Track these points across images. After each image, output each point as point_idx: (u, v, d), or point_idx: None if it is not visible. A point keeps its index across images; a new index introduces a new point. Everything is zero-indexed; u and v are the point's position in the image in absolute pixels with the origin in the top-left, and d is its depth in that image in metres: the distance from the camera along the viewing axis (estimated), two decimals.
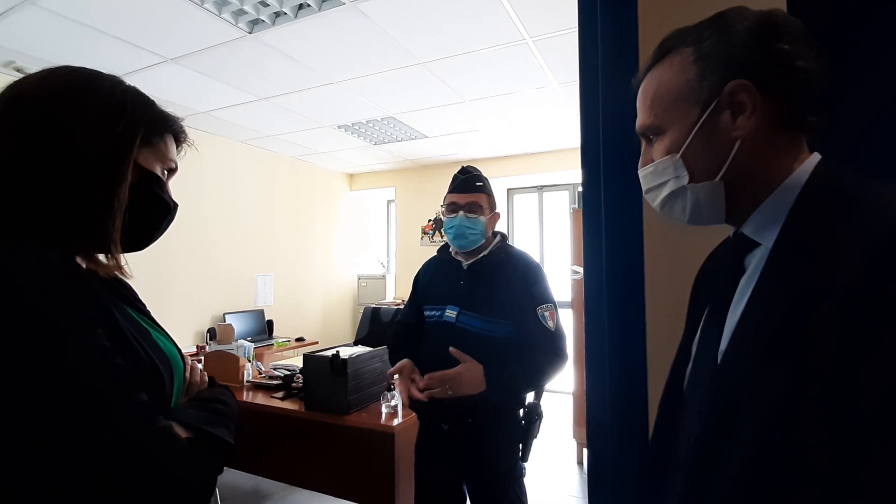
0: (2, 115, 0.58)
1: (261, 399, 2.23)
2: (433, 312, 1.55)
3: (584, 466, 3.15)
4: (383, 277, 5.65)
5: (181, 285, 3.86)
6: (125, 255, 0.65)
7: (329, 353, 1.98)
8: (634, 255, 0.90)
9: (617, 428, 0.88)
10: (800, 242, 0.49)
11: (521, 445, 1.50)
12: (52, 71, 0.62)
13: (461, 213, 1.51)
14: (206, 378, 0.78)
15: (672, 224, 0.61)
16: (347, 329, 5.73)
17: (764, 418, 0.45)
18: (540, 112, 3.60)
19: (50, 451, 0.49)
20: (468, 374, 1.35)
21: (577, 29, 0.99)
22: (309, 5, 2.17)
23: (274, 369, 2.58)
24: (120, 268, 0.64)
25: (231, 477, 2.80)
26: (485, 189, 1.56)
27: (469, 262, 1.55)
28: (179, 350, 0.73)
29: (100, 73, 0.64)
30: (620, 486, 0.87)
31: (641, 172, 0.62)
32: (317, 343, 4.40)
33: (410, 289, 1.74)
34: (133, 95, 0.66)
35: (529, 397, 1.56)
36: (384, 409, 1.95)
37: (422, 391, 1.38)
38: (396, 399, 1.96)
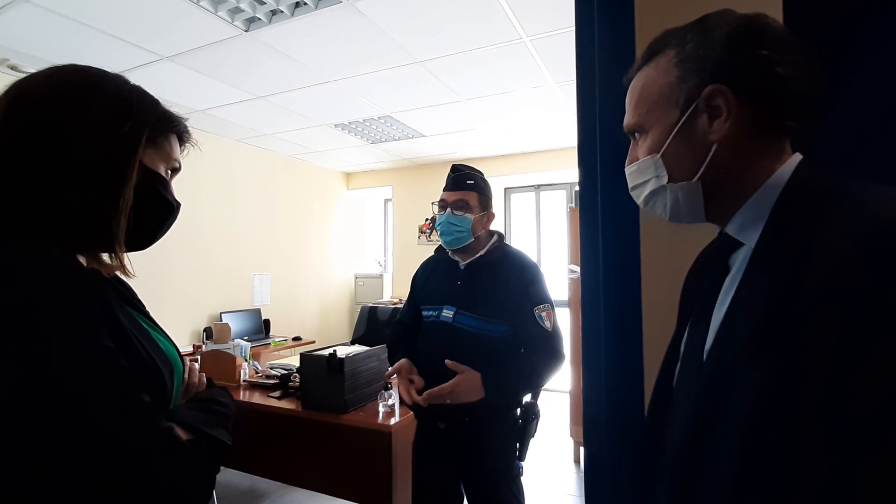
0: (7, 113, 0.58)
1: (257, 398, 2.22)
2: (430, 312, 1.55)
3: (580, 465, 3.16)
4: (380, 276, 5.64)
5: (178, 284, 3.85)
6: (127, 254, 0.65)
7: (326, 352, 1.98)
8: (631, 253, 0.90)
9: (613, 426, 0.89)
10: (781, 241, 0.49)
11: (517, 444, 1.50)
12: (58, 70, 0.62)
13: (448, 209, 1.51)
14: (205, 379, 0.78)
15: (668, 223, 0.62)
16: (344, 328, 5.72)
17: (747, 415, 0.45)
18: (537, 111, 3.60)
19: (52, 450, 0.49)
20: (465, 385, 1.35)
21: (574, 28, 0.99)
22: (306, 3, 2.16)
23: (271, 368, 2.57)
24: (123, 267, 0.64)
25: (228, 476, 2.80)
26: (475, 187, 1.54)
27: (466, 261, 1.54)
28: (178, 351, 0.73)
29: (105, 72, 0.64)
30: (617, 485, 0.87)
31: (627, 170, 0.64)
32: (314, 342, 4.40)
33: (409, 288, 1.74)
34: (138, 95, 0.66)
35: (526, 397, 1.56)
36: (381, 409, 1.95)
37: (420, 398, 1.38)
38: (393, 398, 1.96)
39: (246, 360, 2.66)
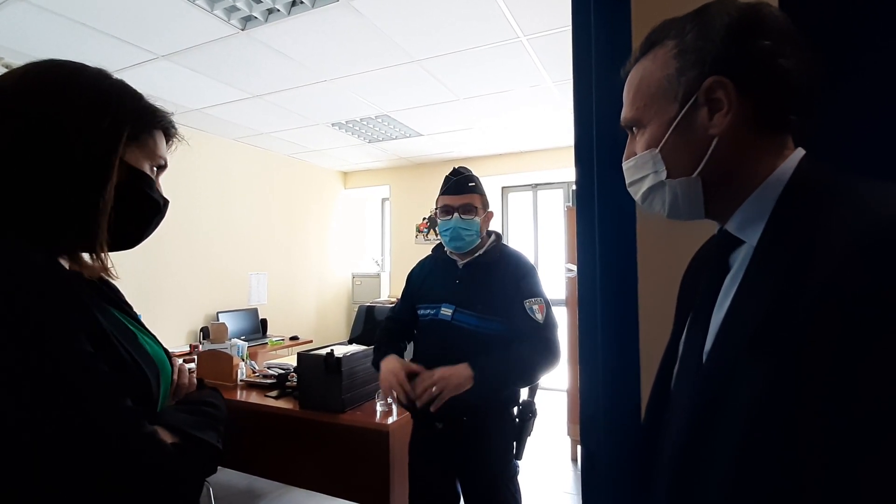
0: None
1: (255, 398, 2.22)
2: (428, 311, 1.55)
3: (578, 463, 3.17)
4: (378, 276, 5.64)
5: (174, 284, 3.83)
6: (113, 254, 0.64)
7: (323, 351, 1.98)
8: (628, 252, 0.90)
9: (610, 425, 0.89)
10: (784, 240, 0.48)
11: (514, 444, 1.50)
12: (35, 65, 0.60)
13: (456, 215, 1.50)
14: (195, 380, 0.77)
15: (665, 221, 0.61)
16: (342, 328, 5.72)
17: (747, 416, 0.44)
18: (534, 110, 3.60)
19: (32, 459, 0.48)
20: (452, 375, 1.33)
21: (570, 27, 0.99)
22: (302, 2, 2.16)
23: (268, 368, 2.57)
24: (106, 269, 0.62)
25: (225, 476, 2.79)
26: (477, 189, 1.56)
27: (464, 260, 1.55)
28: (167, 353, 0.71)
29: (85, 66, 0.62)
30: (614, 483, 0.87)
31: (625, 165, 0.62)
32: (311, 342, 4.39)
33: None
34: (119, 89, 0.63)
35: (524, 395, 1.56)
36: (379, 408, 1.96)
37: (415, 399, 1.36)
38: (391, 397, 1.96)
39: (243, 360, 2.66)
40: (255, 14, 2.25)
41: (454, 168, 1.61)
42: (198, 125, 3.87)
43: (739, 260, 0.55)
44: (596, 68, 0.91)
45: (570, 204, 3.49)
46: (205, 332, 3.84)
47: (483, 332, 1.45)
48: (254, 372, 2.57)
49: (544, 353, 1.43)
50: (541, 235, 5.17)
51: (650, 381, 0.69)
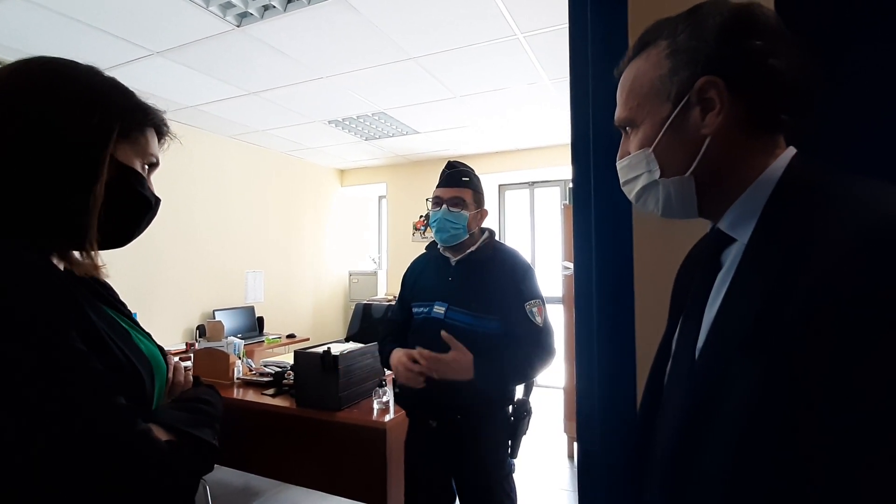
0: None
1: (251, 396, 2.22)
2: (421, 309, 1.55)
3: (574, 460, 3.18)
4: (375, 274, 5.63)
5: (170, 282, 3.82)
6: (110, 252, 0.63)
7: (320, 349, 1.98)
8: (624, 250, 0.90)
9: (606, 422, 0.89)
10: (774, 238, 0.48)
11: (510, 442, 1.51)
12: (25, 62, 0.59)
13: (444, 206, 1.51)
14: (191, 377, 0.76)
15: (661, 220, 0.61)
16: (339, 326, 5.71)
17: (740, 414, 0.45)
18: (531, 108, 3.60)
19: (24, 459, 0.48)
20: (456, 363, 1.35)
21: (567, 25, 0.99)
22: None
23: (264, 366, 2.56)
24: (97, 268, 0.61)
25: (222, 474, 2.79)
26: (470, 184, 1.55)
27: (457, 258, 1.55)
28: (162, 351, 0.71)
29: (75, 63, 0.62)
30: (610, 480, 0.88)
31: (619, 165, 0.62)
32: (308, 340, 4.39)
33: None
34: (110, 86, 0.63)
35: (519, 394, 1.57)
36: (375, 406, 1.96)
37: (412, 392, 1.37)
38: (388, 395, 1.97)
39: (240, 358, 2.65)
40: (250, 11, 2.24)
41: (449, 161, 1.61)
42: (193, 122, 3.85)
43: (731, 258, 0.55)
44: (593, 66, 0.91)
45: (567, 202, 3.49)
46: (201, 330, 3.83)
47: (476, 330, 1.45)
48: (250, 370, 2.57)
49: (543, 355, 1.45)
50: (537, 233, 5.17)
51: (646, 378, 0.69)
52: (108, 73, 0.65)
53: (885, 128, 0.68)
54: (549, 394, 4.40)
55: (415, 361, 1.39)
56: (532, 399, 1.59)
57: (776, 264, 0.46)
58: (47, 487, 0.49)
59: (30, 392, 0.48)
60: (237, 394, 2.27)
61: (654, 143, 0.56)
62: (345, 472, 1.95)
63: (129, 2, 2.13)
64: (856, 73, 0.69)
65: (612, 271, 0.91)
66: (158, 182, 0.69)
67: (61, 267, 0.60)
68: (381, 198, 6.37)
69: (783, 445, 0.41)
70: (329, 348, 1.97)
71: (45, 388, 0.49)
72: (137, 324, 0.70)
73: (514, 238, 5.26)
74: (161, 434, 0.59)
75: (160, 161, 0.69)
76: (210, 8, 2.20)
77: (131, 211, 0.65)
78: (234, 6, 2.21)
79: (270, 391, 2.24)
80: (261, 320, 4.42)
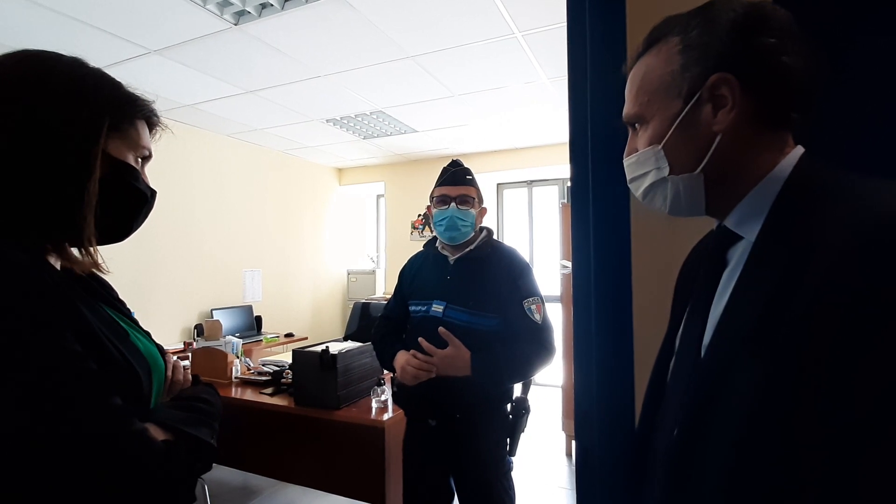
0: None
1: (250, 395, 2.22)
2: (419, 307, 1.55)
3: (572, 458, 3.19)
4: (373, 272, 5.63)
5: (168, 281, 3.81)
6: (106, 251, 0.63)
7: (318, 348, 1.98)
8: (622, 249, 0.91)
9: (604, 420, 0.89)
10: (781, 236, 0.48)
11: (508, 440, 1.51)
12: (8, 56, 0.58)
13: (453, 204, 1.50)
14: (189, 376, 0.76)
15: (659, 218, 0.61)
16: (337, 324, 5.71)
17: (744, 412, 0.45)
18: (529, 107, 3.60)
19: (19, 459, 0.48)
20: (453, 359, 1.36)
21: (566, 24, 0.99)
22: None
23: (263, 365, 2.56)
24: (96, 264, 0.60)
25: (220, 473, 2.79)
26: (473, 182, 1.57)
27: (455, 256, 1.55)
28: (161, 349, 0.71)
29: (60, 55, 0.60)
30: (608, 477, 0.88)
31: (626, 161, 0.62)
32: (306, 339, 4.39)
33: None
34: (97, 78, 0.61)
35: (517, 391, 1.57)
36: (374, 404, 1.96)
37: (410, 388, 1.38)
38: (386, 394, 1.97)
39: (238, 357, 2.65)
40: (248, 9, 2.23)
41: (452, 160, 1.62)
42: (191, 121, 3.84)
43: (738, 255, 0.55)
44: (591, 65, 0.91)
45: (566, 200, 3.50)
46: (199, 329, 3.83)
47: (475, 329, 1.45)
48: (249, 369, 2.56)
49: (542, 352, 1.45)
50: (536, 232, 5.17)
51: (644, 376, 0.69)
52: (106, 71, 0.64)
53: (885, 125, 0.68)
54: (547, 392, 4.41)
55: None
56: (530, 397, 1.59)
57: (784, 262, 0.46)
58: (43, 489, 0.49)
59: (23, 393, 0.48)
60: (235, 393, 2.26)
61: (664, 140, 0.56)
62: (343, 470, 1.95)
63: (127, 0, 2.12)
64: (856, 70, 0.69)
65: (610, 270, 0.91)
66: (155, 181, 0.69)
67: (59, 266, 0.60)
68: (379, 196, 6.36)
69: (788, 442, 0.41)
70: (327, 347, 1.97)
71: (38, 388, 0.48)
72: (136, 322, 0.70)
73: (513, 237, 5.26)
74: (158, 433, 0.58)
75: (153, 153, 0.68)
76: (207, 6, 2.19)
77: (128, 206, 0.64)
78: (232, 4, 2.20)
79: (269, 390, 2.24)
80: (259, 319, 4.42)
